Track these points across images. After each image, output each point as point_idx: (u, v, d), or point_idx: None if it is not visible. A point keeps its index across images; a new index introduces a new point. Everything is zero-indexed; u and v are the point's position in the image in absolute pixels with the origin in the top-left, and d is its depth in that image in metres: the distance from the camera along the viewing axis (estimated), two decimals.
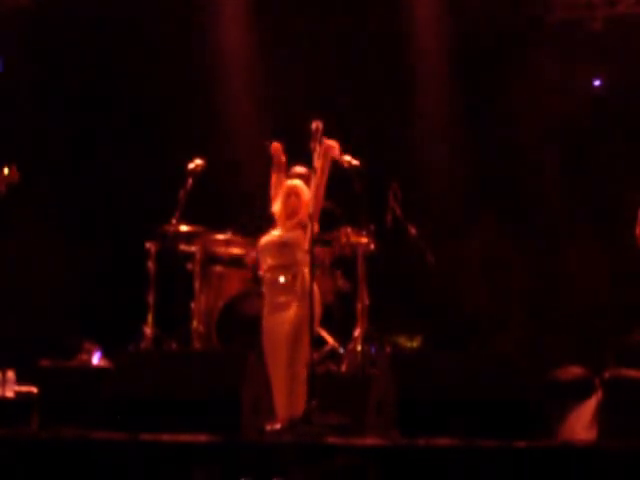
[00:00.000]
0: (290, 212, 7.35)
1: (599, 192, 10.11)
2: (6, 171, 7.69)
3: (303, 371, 6.76)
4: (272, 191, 7.50)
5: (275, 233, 7.34)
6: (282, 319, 7.07)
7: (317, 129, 7.04)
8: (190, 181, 8.28)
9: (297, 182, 7.41)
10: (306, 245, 6.99)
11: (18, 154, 9.00)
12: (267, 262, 7.26)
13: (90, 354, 8.47)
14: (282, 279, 7.15)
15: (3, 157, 8.20)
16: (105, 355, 8.59)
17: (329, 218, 7.66)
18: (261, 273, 7.36)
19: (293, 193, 7.37)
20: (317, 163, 7.05)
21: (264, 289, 7.30)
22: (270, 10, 10.23)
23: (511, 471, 5.61)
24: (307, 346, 6.73)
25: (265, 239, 7.36)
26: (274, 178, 7.49)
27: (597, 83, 10.29)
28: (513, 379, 6.34)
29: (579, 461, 5.64)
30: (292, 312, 7.04)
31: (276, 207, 7.43)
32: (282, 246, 7.22)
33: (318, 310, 7.12)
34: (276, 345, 7.07)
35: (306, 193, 7.29)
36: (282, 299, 7.12)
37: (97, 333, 8.88)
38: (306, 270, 7.00)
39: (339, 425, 6.36)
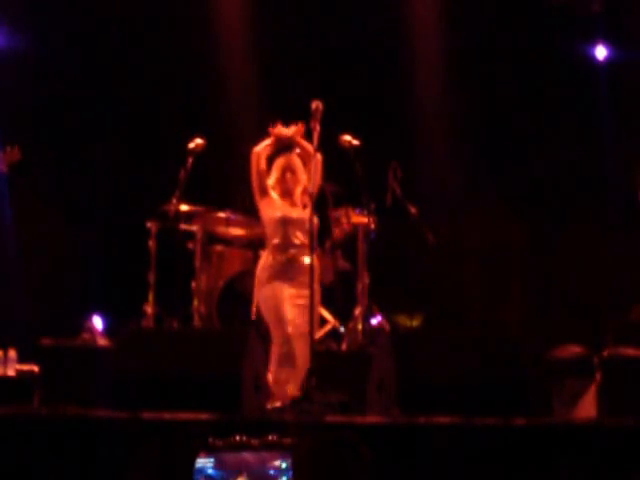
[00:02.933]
0: (285, 190, 7.33)
1: (600, 172, 10.11)
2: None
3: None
4: (254, 159, 7.36)
5: (295, 210, 7.25)
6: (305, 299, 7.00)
7: (317, 108, 7.03)
8: (190, 160, 8.27)
9: (292, 156, 7.35)
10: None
11: (19, 134, 9.04)
12: (299, 237, 7.21)
13: (92, 333, 8.50)
14: (307, 260, 7.04)
15: (4, 137, 8.23)
16: (107, 333, 8.62)
17: (330, 198, 7.64)
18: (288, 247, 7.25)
19: (289, 170, 7.32)
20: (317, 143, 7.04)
21: (284, 266, 7.22)
22: None
23: (510, 448, 5.65)
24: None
25: (292, 213, 7.26)
26: (264, 149, 7.36)
27: (602, 55, 10.19)
28: (513, 358, 6.37)
29: (578, 438, 5.69)
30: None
31: (271, 181, 7.35)
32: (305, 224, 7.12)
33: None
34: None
35: (301, 168, 7.27)
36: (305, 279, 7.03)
37: (99, 312, 8.91)
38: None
39: (339, 403, 6.40)
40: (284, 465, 5.32)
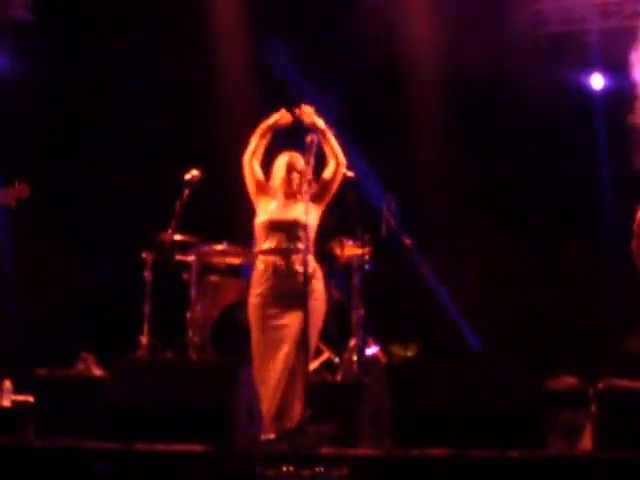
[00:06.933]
0: (292, 191, 7.07)
1: (597, 203, 10.13)
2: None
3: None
4: (247, 166, 7.17)
5: (294, 212, 7.01)
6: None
7: (311, 142, 7.02)
8: (186, 191, 8.31)
9: (295, 155, 7.14)
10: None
11: (18, 165, 9.08)
12: (290, 243, 6.94)
13: (87, 363, 8.49)
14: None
15: (7, 170, 8.26)
16: (101, 363, 8.61)
17: (324, 230, 7.62)
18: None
19: (294, 169, 7.07)
20: (310, 175, 7.02)
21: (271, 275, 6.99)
22: (269, 24, 10.29)
23: None
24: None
25: (287, 215, 7.01)
26: (255, 153, 7.19)
27: (597, 84, 10.22)
28: (507, 389, 6.37)
29: (573, 471, 5.68)
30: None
31: (276, 182, 7.11)
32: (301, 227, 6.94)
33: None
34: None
35: (304, 168, 7.00)
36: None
37: (93, 342, 8.91)
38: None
39: (333, 435, 6.39)
40: None
